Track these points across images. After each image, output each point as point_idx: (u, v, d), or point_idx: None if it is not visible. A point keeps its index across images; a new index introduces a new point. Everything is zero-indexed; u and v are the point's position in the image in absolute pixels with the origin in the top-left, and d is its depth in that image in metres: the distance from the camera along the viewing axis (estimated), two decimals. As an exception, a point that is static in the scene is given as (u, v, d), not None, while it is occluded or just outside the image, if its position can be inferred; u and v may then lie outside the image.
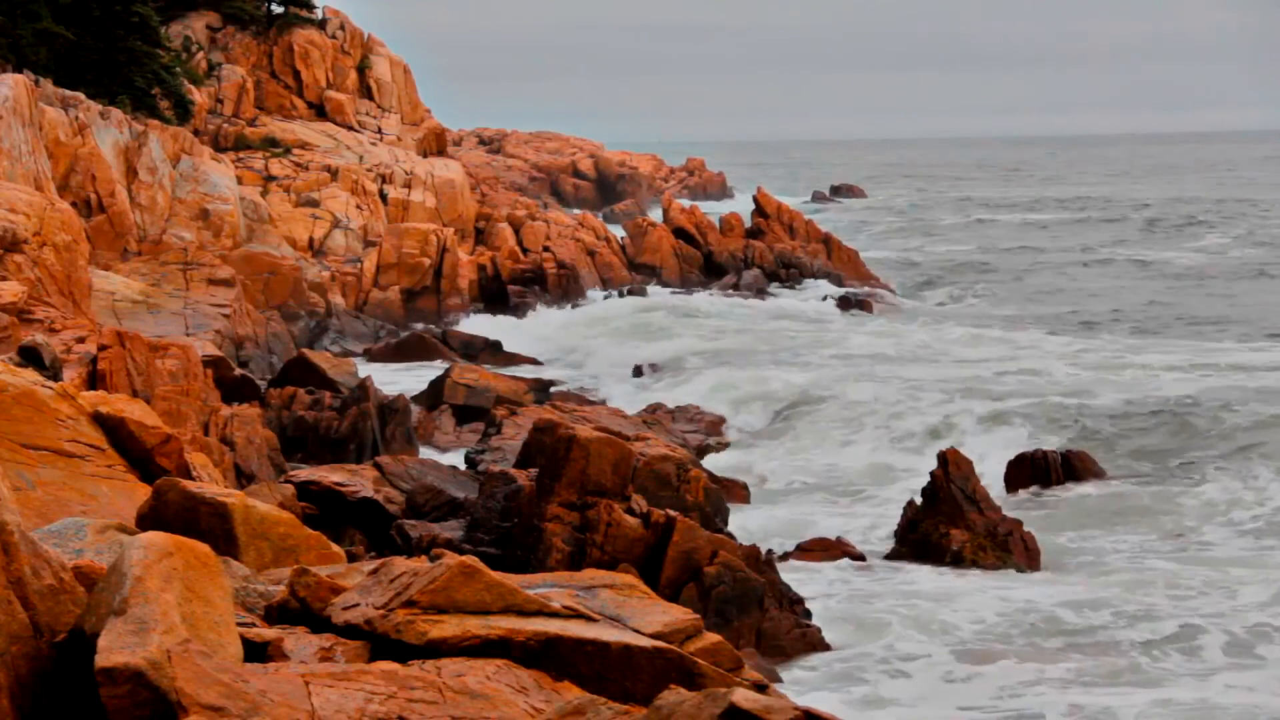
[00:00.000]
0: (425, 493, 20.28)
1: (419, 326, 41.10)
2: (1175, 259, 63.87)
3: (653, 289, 48.23)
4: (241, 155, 46.77)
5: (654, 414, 28.37)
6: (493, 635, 6.17)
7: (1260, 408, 28.29)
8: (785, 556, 19.76)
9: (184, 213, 39.87)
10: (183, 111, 44.81)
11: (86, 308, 25.76)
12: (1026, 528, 20.71)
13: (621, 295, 46.38)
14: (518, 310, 45.01)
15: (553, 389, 31.54)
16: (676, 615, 6.81)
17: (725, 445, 27.79)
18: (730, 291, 48.02)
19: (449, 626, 6.19)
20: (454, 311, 44.26)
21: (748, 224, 54.86)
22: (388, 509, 19.86)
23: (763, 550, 17.99)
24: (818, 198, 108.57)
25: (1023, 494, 23.36)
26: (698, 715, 4.84)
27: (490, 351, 37.44)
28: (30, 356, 14.82)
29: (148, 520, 8.10)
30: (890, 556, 20.44)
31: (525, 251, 48.93)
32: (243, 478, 19.97)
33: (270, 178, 46.33)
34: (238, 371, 29.08)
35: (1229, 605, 17.77)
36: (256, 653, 6.01)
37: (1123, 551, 20.78)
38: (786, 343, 38.21)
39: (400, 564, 6.73)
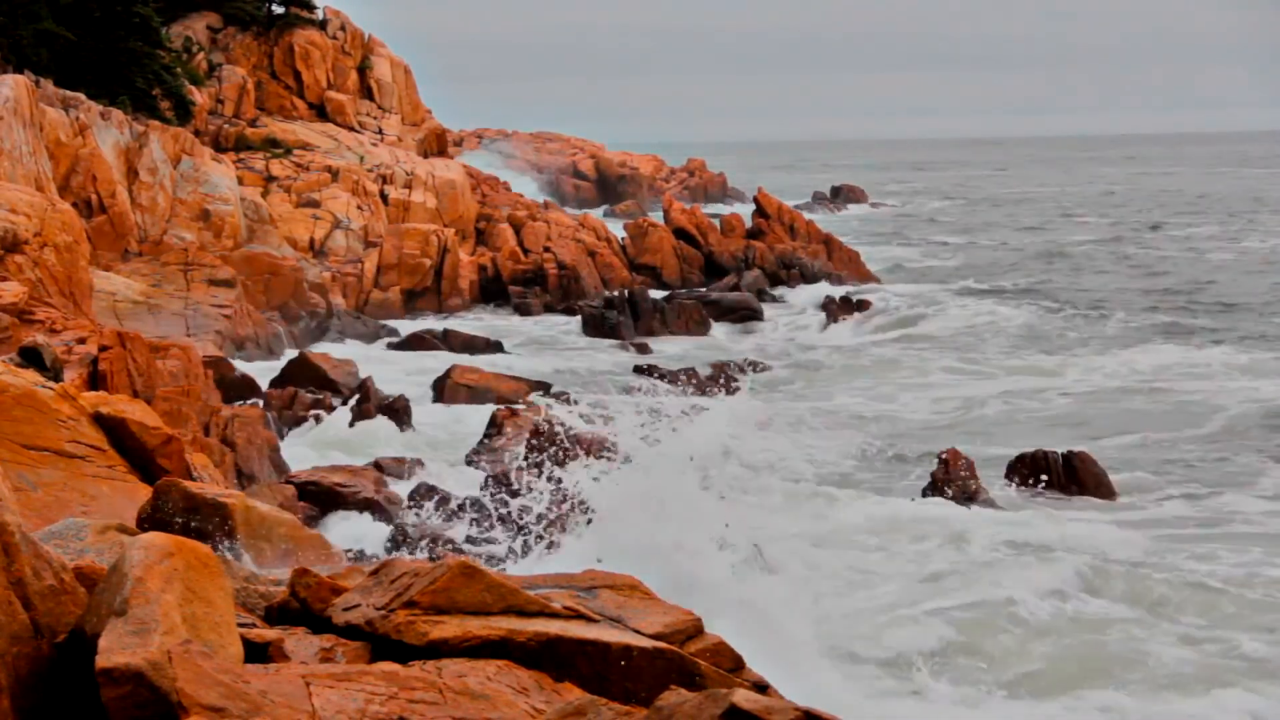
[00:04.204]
0: (426, 493, 20.30)
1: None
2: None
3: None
4: (242, 156, 46.77)
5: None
6: (493, 636, 6.17)
7: None
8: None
9: (185, 213, 39.87)
10: (183, 112, 44.81)
11: (87, 308, 25.75)
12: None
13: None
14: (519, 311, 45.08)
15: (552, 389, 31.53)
16: (677, 616, 6.80)
17: None
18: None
19: (450, 627, 6.19)
20: (456, 311, 44.26)
21: (748, 224, 54.85)
22: (388, 509, 19.88)
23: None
24: (818, 199, 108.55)
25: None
26: (698, 716, 4.84)
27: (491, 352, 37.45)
28: (31, 357, 14.81)
29: (149, 521, 8.10)
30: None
31: (526, 252, 48.93)
32: (243, 478, 19.97)
33: (271, 178, 46.33)
34: (239, 372, 29.11)
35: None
36: (257, 653, 6.01)
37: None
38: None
39: (401, 565, 6.72)
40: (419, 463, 22.75)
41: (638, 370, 34.13)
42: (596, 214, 62.68)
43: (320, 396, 28.59)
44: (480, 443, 25.08)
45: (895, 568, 18.62)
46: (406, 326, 41.15)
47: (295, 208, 45.31)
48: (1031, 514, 21.19)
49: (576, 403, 23.65)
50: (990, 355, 39.37)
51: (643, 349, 38.67)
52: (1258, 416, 29.69)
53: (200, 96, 47.62)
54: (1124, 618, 16.97)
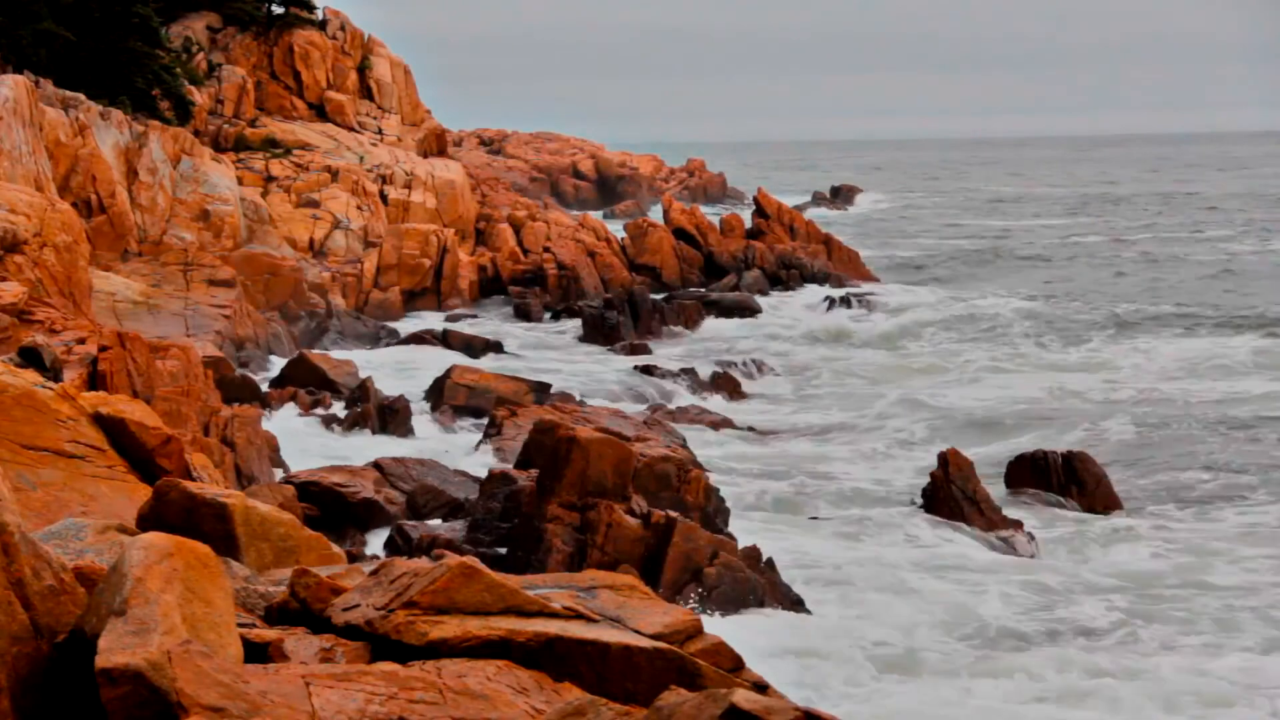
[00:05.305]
0: (425, 493, 20.30)
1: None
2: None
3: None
4: (242, 156, 46.75)
5: (654, 414, 28.38)
6: (493, 636, 6.17)
7: None
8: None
9: (184, 213, 39.86)
10: (183, 112, 44.78)
11: (87, 308, 25.75)
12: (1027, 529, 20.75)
13: None
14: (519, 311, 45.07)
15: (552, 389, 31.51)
16: (677, 616, 6.80)
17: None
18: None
19: (449, 627, 6.19)
20: (456, 311, 44.25)
21: (748, 224, 54.78)
22: (388, 510, 19.89)
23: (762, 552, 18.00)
24: (818, 198, 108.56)
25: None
26: (698, 716, 4.84)
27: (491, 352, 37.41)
28: (31, 357, 14.82)
29: (148, 521, 8.10)
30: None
31: (526, 252, 48.91)
32: (243, 478, 19.97)
33: (270, 178, 46.31)
34: (238, 372, 29.11)
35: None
36: (257, 653, 6.02)
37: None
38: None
39: (401, 565, 6.72)
40: (419, 462, 22.74)
41: (638, 371, 34.16)
42: (596, 215, 62.63)
43: (320, 397, 28.61)
44: (480, 443, 25.10)
45: None
46: (406, 327, 41.14)
47: (295, 208, 45.29)
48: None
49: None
50: (993, 352, 39.40)
51: (642, 349, 38.67)
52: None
53: (200, 97, 47.60)
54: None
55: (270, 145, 48.05)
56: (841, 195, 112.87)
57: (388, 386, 29.26)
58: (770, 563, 17.82)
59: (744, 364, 36.69)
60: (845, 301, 47.12)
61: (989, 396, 32.82)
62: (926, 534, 20.72)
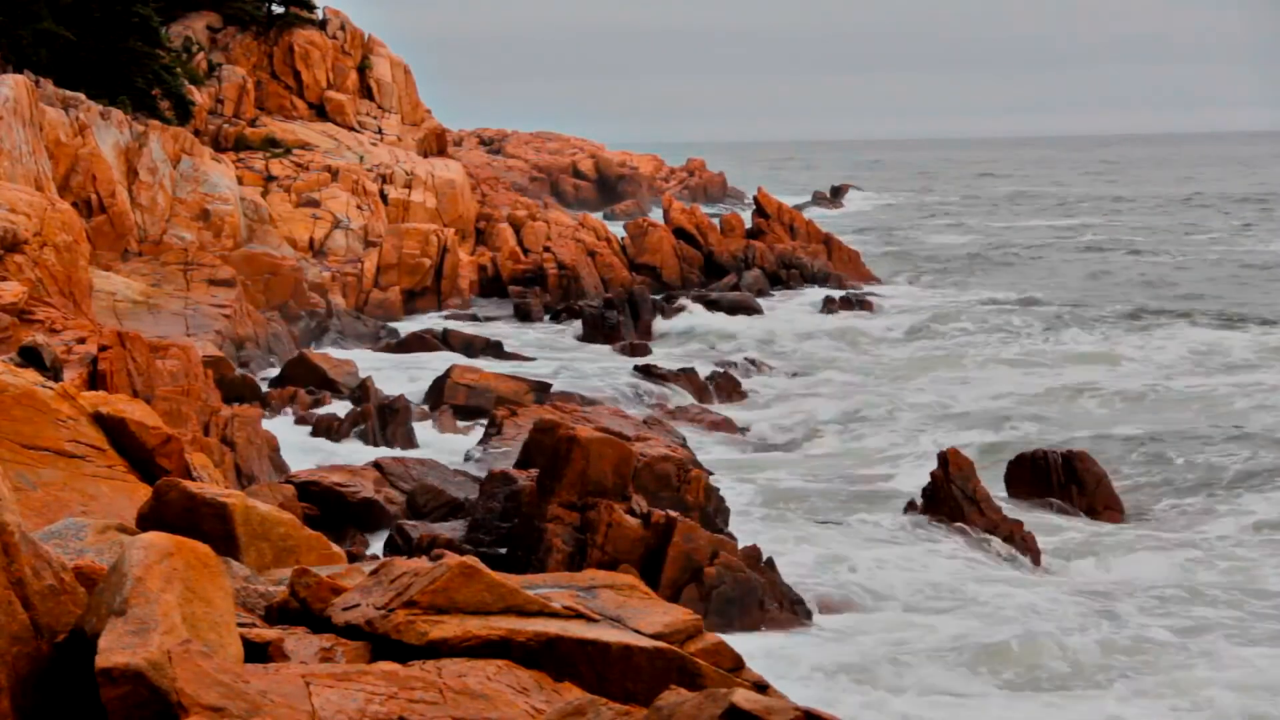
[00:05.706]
0: (426, 493, 20.30)
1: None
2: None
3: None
4: (242, 155, 46.75)
5: (655, 414, 28.38)
6: (493, 636, 6.18)
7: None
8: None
9: (184, 213, 39.86)
10: (183, 112, 44.78)
11: (87, 308, 25.76)
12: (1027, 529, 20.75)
13: None
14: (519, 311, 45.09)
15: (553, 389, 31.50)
16: (677, 615, 6.80)
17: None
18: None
19: (449, 627, 6.19)
20: (456, 311, 44.27)
21: (748, 224, 54.77)
22: (388, 509, 19.89)
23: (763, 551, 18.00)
24: (818, 198, 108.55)
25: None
26: (698, 716, 4.84)
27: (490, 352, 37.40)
28: (31, 357, 14.83)
29: (148, 520, 8.10)
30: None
31: (526, 252, 48.92)
32: (243, 478, 19.97)
33: (270, 178, 46.32)
34: (238, 372, 29.12)
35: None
36: (257, 653, 6.02)
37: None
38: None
39: (401, 564, 6.73)
40: (419, 462, 22.74)
41: (638, 371, 34.15)
42: (596, 214, 62.60)
43: (320, 396, 28.61)
44: (480, 443, 25.10)
45: None
46: (406, 326, 41.14)
47: (295, 207, 45.30)
48: None
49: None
50: (993, 351, 39.37)
51: (642, 349, 38.67)
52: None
53: (200, 96, 47.60)
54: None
55: (270, 145, 48.06)
56: (841, 195, 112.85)
57: (388, 386, 29.26)
58: (770, 563, 17.82)
59: (744, 364, 36.70)
60: (846, 301, 47.09)
61: (989, 395, 32.80)
62: (928, 535, 20.69)
